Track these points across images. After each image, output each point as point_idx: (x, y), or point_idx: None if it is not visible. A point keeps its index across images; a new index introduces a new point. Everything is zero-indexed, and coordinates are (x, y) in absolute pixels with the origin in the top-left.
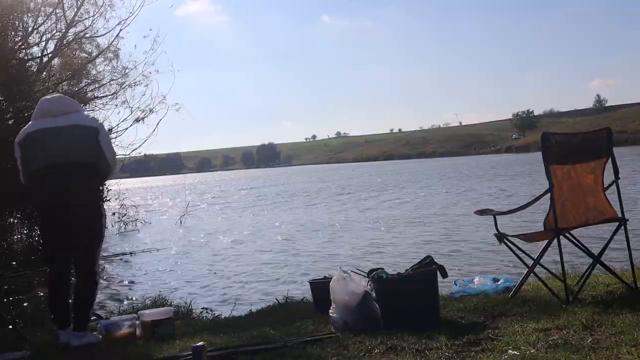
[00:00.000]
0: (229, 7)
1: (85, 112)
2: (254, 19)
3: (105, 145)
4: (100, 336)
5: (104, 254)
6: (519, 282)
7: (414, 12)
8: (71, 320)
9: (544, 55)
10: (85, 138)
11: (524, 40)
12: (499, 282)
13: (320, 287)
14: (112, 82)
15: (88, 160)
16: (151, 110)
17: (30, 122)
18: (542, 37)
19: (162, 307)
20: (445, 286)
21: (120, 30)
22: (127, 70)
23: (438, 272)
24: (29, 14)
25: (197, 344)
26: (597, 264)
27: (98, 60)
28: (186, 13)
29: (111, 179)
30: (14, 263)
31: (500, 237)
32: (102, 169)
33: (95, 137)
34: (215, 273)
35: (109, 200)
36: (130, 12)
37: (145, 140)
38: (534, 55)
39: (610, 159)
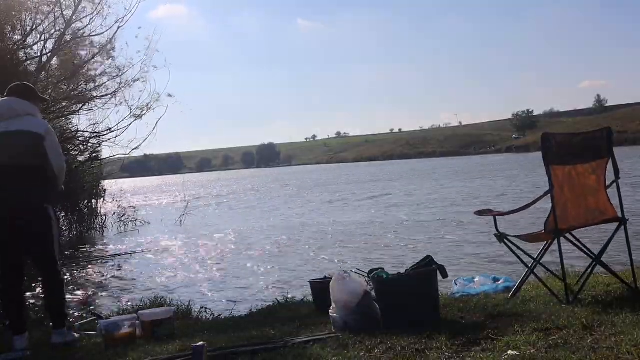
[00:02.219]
0: (205, 10)
1: (87, 111)
2: (234, 21)
3: (51, 151)
4: (77, 335)
5: (106, 254)
6: (519, 282)
7: (408, 13)
8: (27, 326)
9: (542, 54)
10: (29, 144)
11: (522, 39)
12: (499, 282)
13: (320, 287)
14: (110, 81)
15: (33, 164)
16: (148, 107)
17: None
18: (539, 36)
19: (162, 307)
20: (445, 286)
21: (119, 28)
22: (125, 69)
23: (438, 272)
24: (28, 13)
25: (197, 344)
26: (597, 264)
27: (97, 59)
28: (158, 17)
29: (112, 178)
30: None
31: (501, 237)
32: (48, 174)
33: (41, 144)
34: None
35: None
36: (126, 9)
37: (145, 139)
38: (533, 55)
39: (610, 158)
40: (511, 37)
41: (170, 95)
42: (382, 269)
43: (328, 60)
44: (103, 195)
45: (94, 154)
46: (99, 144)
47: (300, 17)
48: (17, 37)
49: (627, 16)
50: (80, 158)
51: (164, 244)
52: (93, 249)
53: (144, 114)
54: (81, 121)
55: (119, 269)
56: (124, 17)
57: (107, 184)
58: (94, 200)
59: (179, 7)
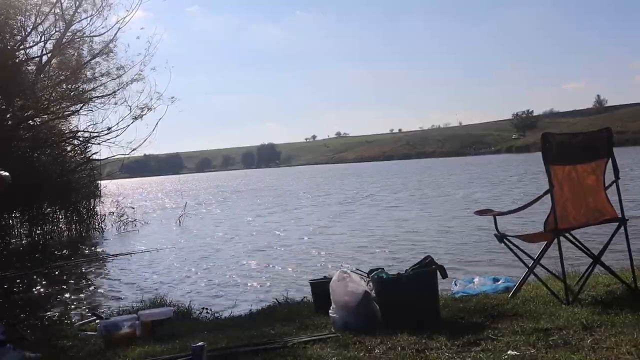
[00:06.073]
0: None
1: (87, 111)
2: (207, 22)
3: None
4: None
5: (106, 254)
6: (519, 282)
7: (404, 13)
8: None
9: (542, 54)
10: None
11: (522, 39)
12: (499, 282)
13: (320, 287)
14: (110, 81)
15: None
16: (149, 108)
17: None
18: (539, 35)
19: (162, 307)
20: (445, 286)
21: (119, 29)
22: (125, 70)
23: (438, 272)
24: (28, 14)
25: (197, 344)
26: (597, 264)
27: (97, 60)
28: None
29: (112, 178)
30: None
31: (501, 237)
32: None
33: None
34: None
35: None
36: (127, 10)
37: (145, 140)
38: (533, 55)
39: (610, 159)
40: (511, 37)
41: (173, 98)
42: (382, 269)
43: (328, 60)
44: (101, 195)
45: (92, 154)
46: (99, 144)
47: (297, 11)
48: (17, 38)
49: (626, 15)
50: (78, 158)
51: (163, 244)
52: (92, 249)
53: (144, 114)
54: (81, 121)
55: (119, 269)
56: (124, 18)
57: (107, 184)
58: (92, 200)
59: (137, 13)
